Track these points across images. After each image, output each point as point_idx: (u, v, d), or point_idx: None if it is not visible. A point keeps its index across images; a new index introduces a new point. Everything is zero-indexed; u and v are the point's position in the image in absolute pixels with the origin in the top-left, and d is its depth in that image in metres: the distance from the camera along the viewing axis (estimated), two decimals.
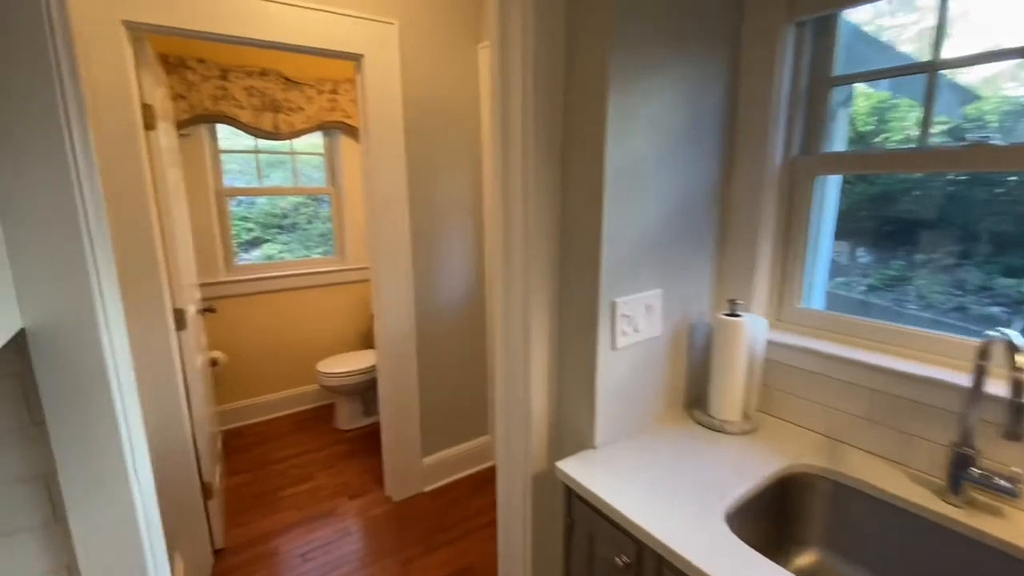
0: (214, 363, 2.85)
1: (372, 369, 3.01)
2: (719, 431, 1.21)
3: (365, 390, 3.07)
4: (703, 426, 1.24)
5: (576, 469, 1.06)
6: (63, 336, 0.67)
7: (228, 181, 3.08)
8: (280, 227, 3.36)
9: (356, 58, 2.00)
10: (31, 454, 0.69)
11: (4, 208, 0.61)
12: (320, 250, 3.47)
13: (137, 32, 1.61)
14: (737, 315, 1.20)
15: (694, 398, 1.34)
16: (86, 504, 0.71)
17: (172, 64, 2.58)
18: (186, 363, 1.90)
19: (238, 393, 3.12)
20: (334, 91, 3.07)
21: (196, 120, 2.69)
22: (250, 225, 3.32)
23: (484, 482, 2.53)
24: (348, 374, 2.97)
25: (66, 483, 0.70)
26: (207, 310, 2.51)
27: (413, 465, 2.40)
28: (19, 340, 0.65)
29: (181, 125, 2.64)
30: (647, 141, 1.06)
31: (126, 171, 1.58)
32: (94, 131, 1.47)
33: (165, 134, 1.95)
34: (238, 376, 3.10)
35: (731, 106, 1.22)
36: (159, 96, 1.87)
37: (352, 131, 3.19)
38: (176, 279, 1.84)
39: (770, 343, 1.25)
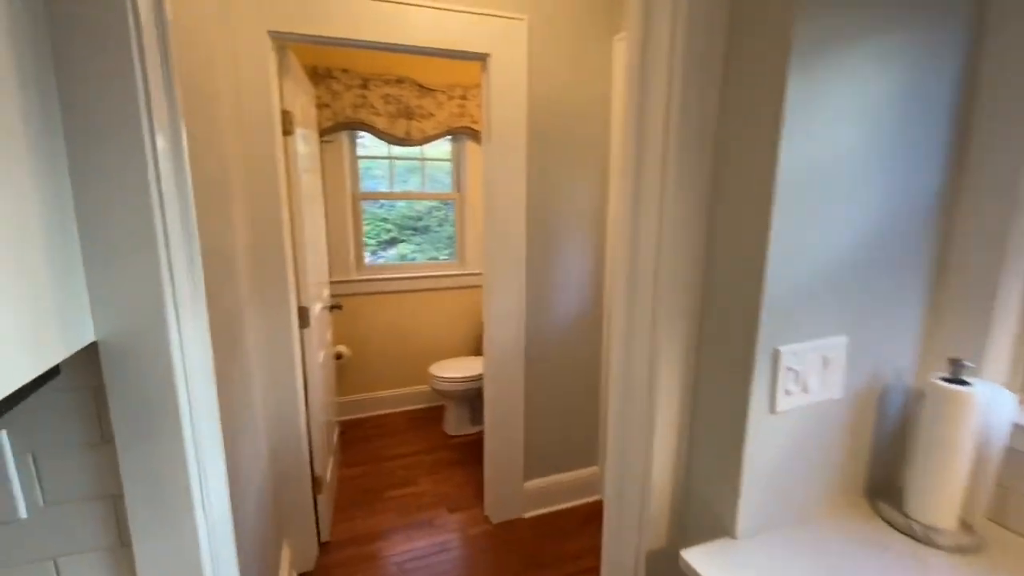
0: (339, 356, 3.00)
1: (481, 378, 2.95)
2: (921, 541, 0.87)
3: (474, 397, 3.02)
4: (894, 527, 0.90)
5: (708, 565, 0.81)
6: (135, 352, 0.62)
7: (370, 186, 3.28)
8: (414, 229, 3.58)
9: (482, 58, 1.92)
10: (101, 472, 0.65)
11: (81, 213, 0.57)
12: (447, 252, 3.57)
13: (281, 41, 1.69)
14: (964, 381, 0.84)
15: (879, 484, 0.99)
16: (148, 530, 0.66)
17: (320, 75, 2.77)
18: (307, 359, 1.97)
19: (359, 386, 3.27)
20: (463, 97, 3.08)
21: (338, 127, 2.86)
22: (389, 226, 3.58)
23: (588, 519, 2.30)
24: (457, 380, 2.94)
25: (131, 506, 0.65)
26: (334, 307, 2.63)
27: (514, 488, 2.26)
28: (92, 353, 0.60)
29: (324, 132, 2.82)
30: (840, 138, 0.78)
31: (263, 174, 1.66)
32: (237, 134, 1.55)
33: (304, 140, 2.06)
34: (361, 370, 3.24)
35: (969, 90, 0.87)
36: (300, 103, 1.97)
37: (478, 136, 3.17)
38: (303, 278, 1.92)
39: (1016, 427, 0.87)
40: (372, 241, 3.62)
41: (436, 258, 3.55)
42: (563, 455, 2.35)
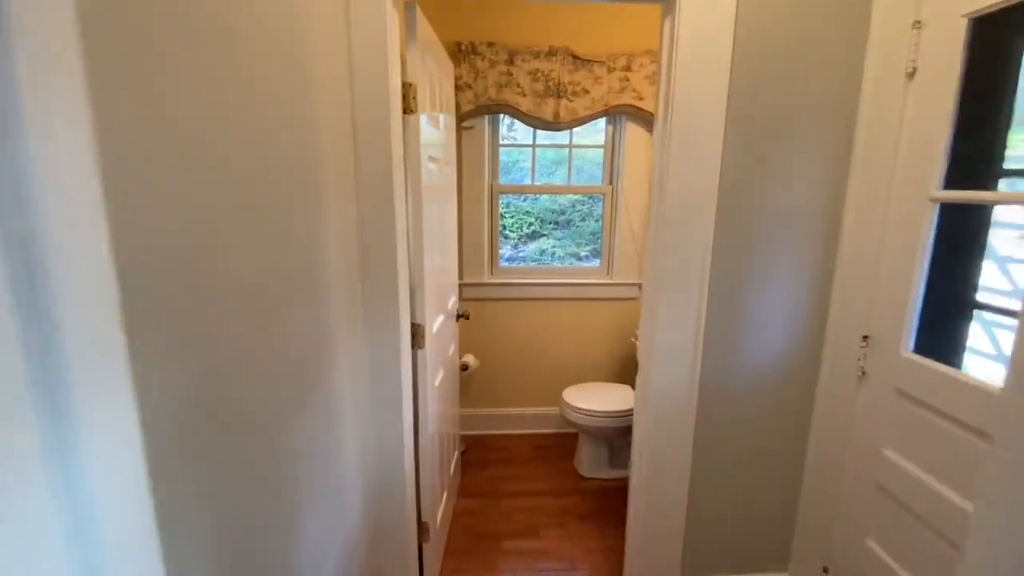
0: (464, 368, 2.69)
1: (626, 414, 2.39)
2: None
3: (614, 436, 2.48)
4: None
5: None
6: None
7: (516, 178, 2.95)
8: (556, 223, 3.29)
9: None
10: None
11: None
12: (588, 248, 3.14)
13: None
14: None
15: None
16: None
17: (463, 52, 2.44)
18: (421, 385, 1.63)
19: (484, 399, 2.95)
20: (627, 67, 2.51)
21: (479, 111, 2.52)
22: (531, 219, 3.33)
23: None
24: (597, 415, 2.43)
25: None
26: (461, 316, 2.31)
27: None
28: None
29: (463, 117, 2.50)
30: None
31: (374, 162, 1.33)
32: (341, 110, 1.23)
33: (436, 124, 1.72)
34: (487, 383, 2.91)
35: None
36: (432, 77, 1.62)
37: (643, 117, 2.59)
38: (419, 290, 1.58)
39: None
40: (513, 235, 3.33)
41: (577, 255, 3.14)
42: (741, 550, 1.70)
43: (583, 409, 2.45)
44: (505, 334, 2.86)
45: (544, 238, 3.19)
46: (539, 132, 2.73)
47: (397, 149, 1.37)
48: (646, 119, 2.59)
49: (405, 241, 1.48)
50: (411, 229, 1.54)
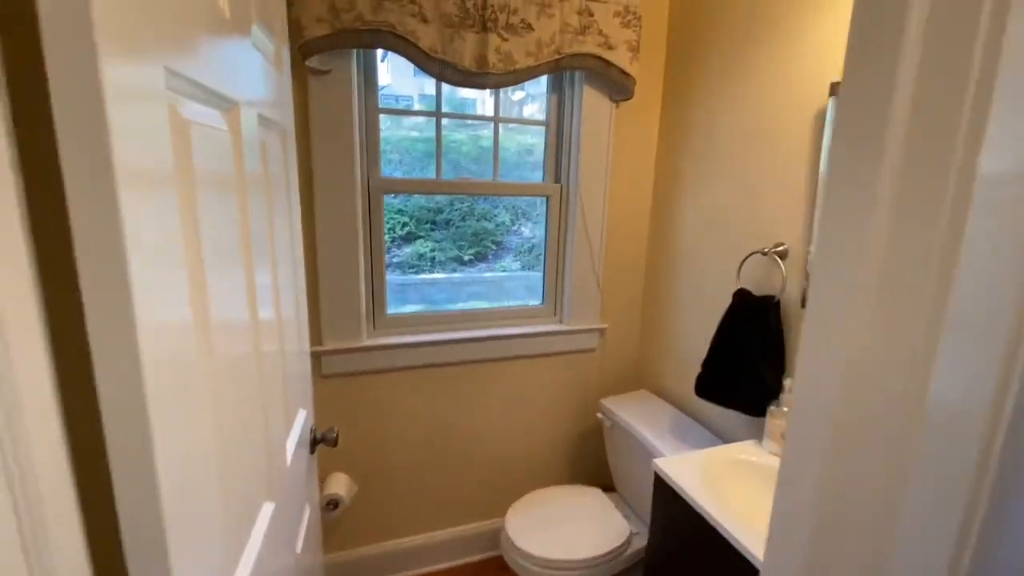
0: (333, 505, 1.53)
1: (611, 557, 1.47)
2: None
3: None
4: None
5: None
6: None
7: (404, 167, 1.85)
8: (433, 223, 2.46)
9: None
10: None
11: None
12: (471, 252, 2.35)
13: None
14: None
15: None
16: None
17: None
18: None
19: (377, 531, 1.80)
20: None
21: (341, 40, 1.36)
22: (404, 219, 2.39)
23: None
24: (565, 567, 1.46)
25: None
26: (319, 441, 1.15)
27: None
28: None
29: (308, 48, 1.32)
30: None
31: None
32: None
33: (204, 23, 0.56)
34: (380, 505, 1.76)
35: None
36: None
37: (610, 78, 1.65)
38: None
39: None
40: (385, 236, 2.29)
41: (460, 259, 2.33)
42: None
43: (543, 559, 1.46)
44: (403, 425, 1.74)
45: (421, 240, 2.46)
46: (446, 91, 1.66)
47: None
48: (615, 82, 1.66)
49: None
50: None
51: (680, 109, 1.74)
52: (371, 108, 1.56)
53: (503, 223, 2.60)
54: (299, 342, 1.06)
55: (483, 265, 2.52)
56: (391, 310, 1.74)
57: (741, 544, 1.02)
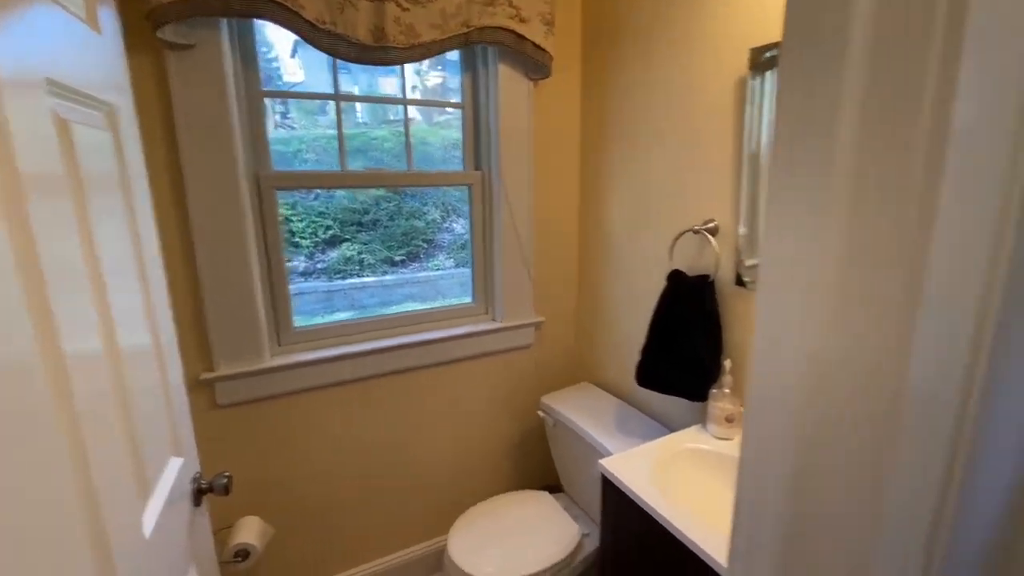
0: (242, 556, 1.32)
1: (565, 563, 1.37)
2: None
3: None
4: None
5: None
6: None
7: (305, 161, 1.63)
8: (360, 224, 2.16)
9: None
10: None
11: None
12: (403, 252, 2.14)
13: None
14: None
15: None
16: None
17: None
18: None
19: (303, 574, 1.60)
20: None
21: (202, 8, 1.13)
22: (327, 222, 2.07)
23: None
24: None
25: None
26: (205, 491, 0.95)
27: None
28: None
29: (160, 16, 1.09)
30: None
31: None
32: None
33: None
34: (302, 545, 1.56)
35: None
36: None
37: (525, 54, 1.52)
38: None
39: None
40: (306, 242, 2.04)
41: (391, 260, 2.14)
42: None
43: None
44: (323, 451, 1.54)
45: (347, 243, 2.22)
46: (365, 84, 1.47)
47: None
48: (530, 58, 1.54)
49: None
50: None
51: (601, 87, 1.65)
52: (253, 91, 1.34)
53: (434, 220, 2.40)
54: (164, 374, 0.85)
55: (416, 265, 2.33)
56: (302, 322, 1.53)
57: (698, 547, 0.95)
